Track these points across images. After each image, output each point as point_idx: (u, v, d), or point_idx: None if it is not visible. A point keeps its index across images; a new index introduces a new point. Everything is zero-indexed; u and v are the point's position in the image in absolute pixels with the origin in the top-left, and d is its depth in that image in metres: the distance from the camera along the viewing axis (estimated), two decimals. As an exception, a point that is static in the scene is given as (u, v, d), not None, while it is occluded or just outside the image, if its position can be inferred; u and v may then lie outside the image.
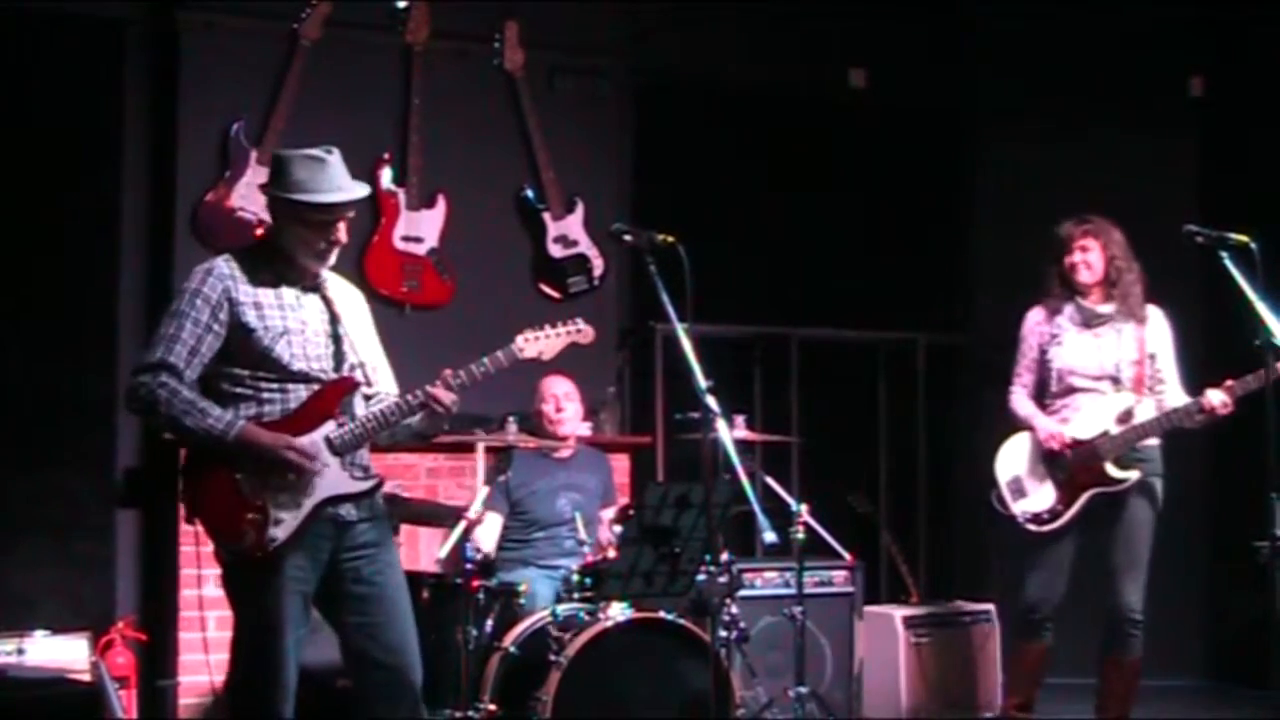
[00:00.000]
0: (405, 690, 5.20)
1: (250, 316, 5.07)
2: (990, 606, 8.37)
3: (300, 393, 5.11)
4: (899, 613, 8.13)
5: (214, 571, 7.76)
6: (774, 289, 9.57)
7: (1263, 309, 5.75)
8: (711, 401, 5.18)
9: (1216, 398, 6.59)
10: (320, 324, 5.20)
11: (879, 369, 9.92)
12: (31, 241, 7.85)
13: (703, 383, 5.18)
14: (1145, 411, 6.87)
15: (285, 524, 5.01)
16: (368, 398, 5.27)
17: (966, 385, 10.20)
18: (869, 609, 8.24)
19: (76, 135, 7.99)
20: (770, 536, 5.19)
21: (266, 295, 5.13)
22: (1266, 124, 9.26)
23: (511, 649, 6.59)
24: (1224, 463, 6.78)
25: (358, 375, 5.23)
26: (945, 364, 10.09)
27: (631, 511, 6.62)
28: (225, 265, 5.15)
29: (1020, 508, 7.03)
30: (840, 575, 8.07)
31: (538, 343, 5.41)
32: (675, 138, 9.33)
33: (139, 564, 8.07)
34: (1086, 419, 6.91)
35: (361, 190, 5.33)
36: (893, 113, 9.99)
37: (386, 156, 8.36)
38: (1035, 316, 7.16)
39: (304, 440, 5.06)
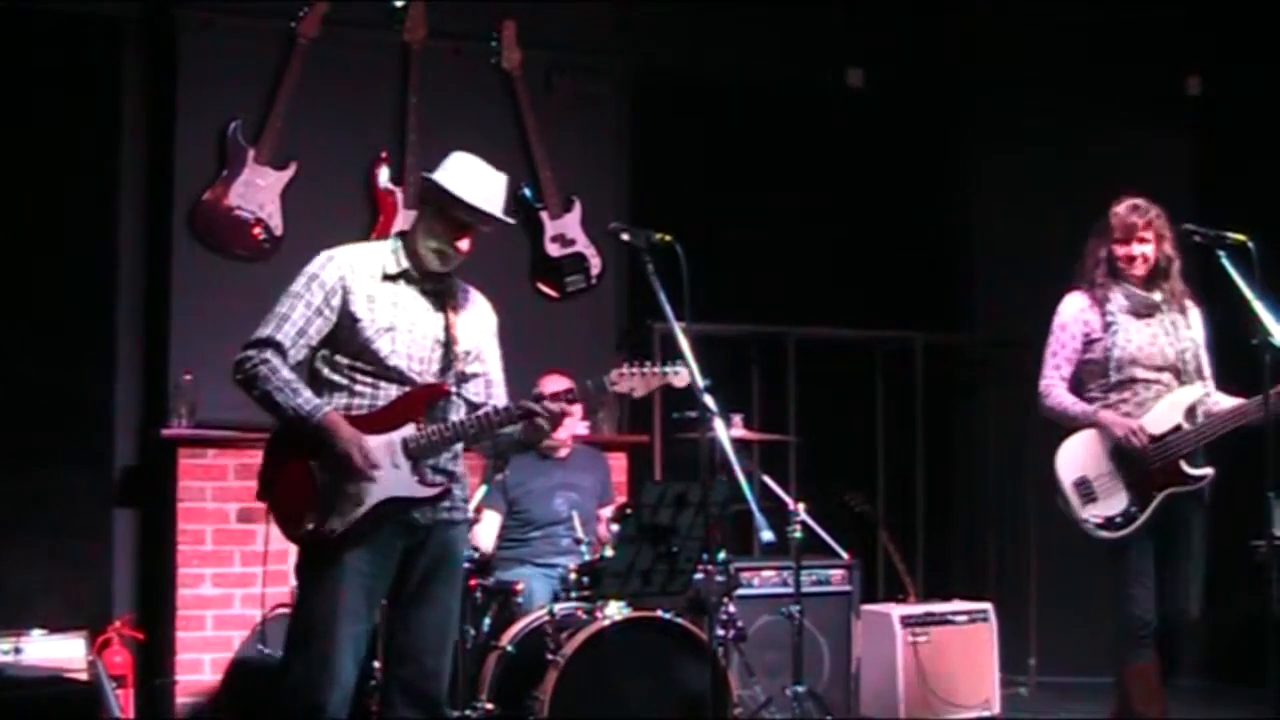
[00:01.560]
0: (429, 695, 5.26)
1: (360, 307, 5.15)
2: (988, 605, 8.36)
3: (392, 391, 5.17)
4: (896, 611, 8.12)
5: (211, 570, 7.89)
6: (771, 288, 9.56)
7: (1260, 308, 5.73)
8: (709, 400, 5.17)
9: None
10: (431, 327, 5.25)
11: (876, 368, 9.92)
12: (29, 240, 7.87)
13: (700, 382, 5.18)
14: (1205, 406, 6.38)
15: (344, 517, 5.07)
16: (476, 407, 5.30)
17: (964, 384, 10.21)
18: (866, 608, 8.24)
19: (74, 134, 8.02)
20: (768, 535, 5.18)
21: (383, 289, 5.20)
22: (1263, 122, 9.26)
23: (509, 648, 6.58)
24: (1220, 461, 6.72)
25: (452, 385, 5.25)
26: (943, 363, 10.09)
27: (629, 510, 6.62)
28: (349, 254, 5.25)
29: (1090, 512, 6.38)
30: (838, 574, 8.07)
31: (631, 379, 5.31)
32: (673, 137, 9.33)
33: (136, 563, 8.09)
34: (1156, 413, 6.34)
35: (507, 217, 5.33)
36: (890, 112, 9.99)
37: (384, 155, 8.36)
38: (1078, 302, 6.52)
39: (377, 441, 5.10)
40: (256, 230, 8.06)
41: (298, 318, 5.13)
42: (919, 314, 9.94)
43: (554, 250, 8.76)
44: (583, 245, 8.80)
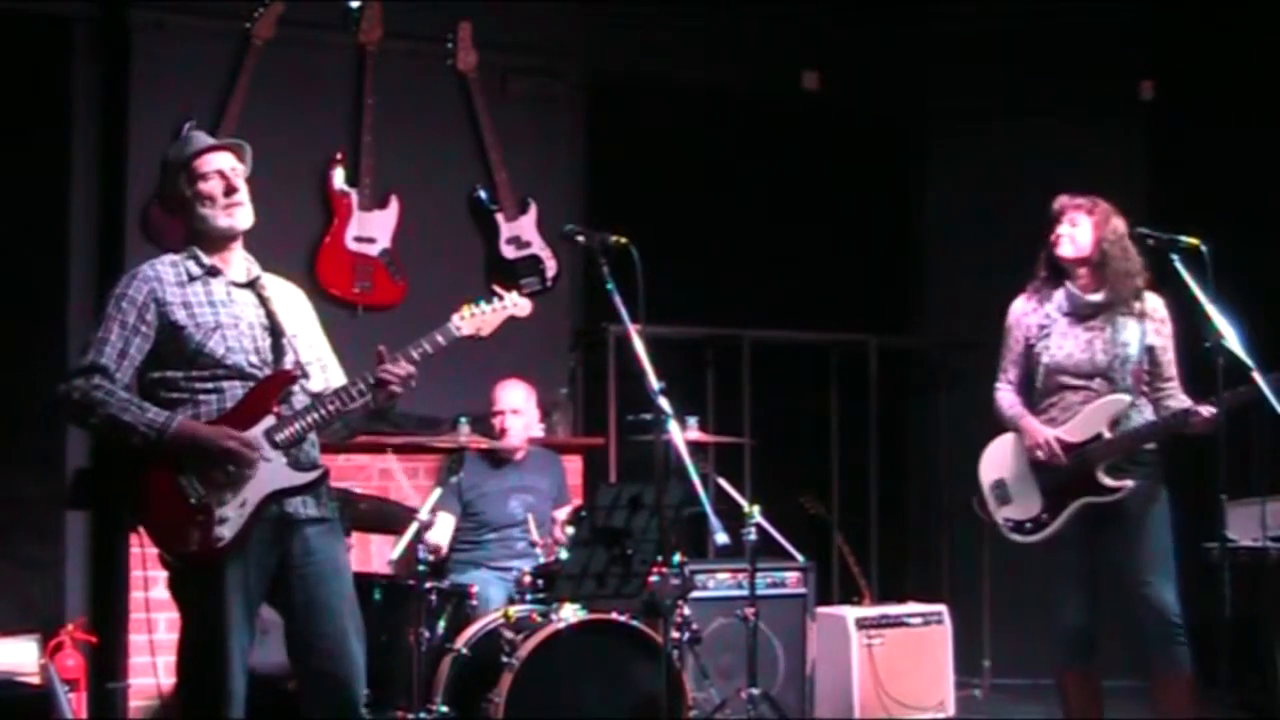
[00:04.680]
0: (343, 702, 5.15)
1: (179, 315, 5.05)
2: (942, 607, 8.39)
3: (236, 390, 5.06)
4: (851, 614, 8.14)
5: (163, 574, 7.80)
6: (726, 290, 9.56)
7: (1213, 311, 5.76)
8: (664, 403, 5.16)
9: (1207, 410, 6.04)
10: (255, 318, 5.16)
11: (831, 371, 9.92)
12: (-21, 241, 7.82)
13: (655, 384, 5.16)
14: (1142, 414, 6.27)
15: (231, 522, 4.96)
16: (316, 395, 5.19)
17: (918, 387, 10.24)
18: (821, 610, 8.25)
19: (25, 135, 7.94)
20: (722, 538, 5.18)
21: (196, 293, 5.12)
22: (1216, 127, 9.31)
23: (463, 650, 6.57)
24: (1185, 464, 6.69)
25: (297, 369, 5.17)
26: (897, 366, 10.12)
27: (583, 513, 6.62)
28: (151, 268, 5.16)
29: (1004, 514, 6.45)
30: (793, 577, 8.08)
31: (474, 319, 5.31)
32: (629, 139, 9.32)
33: (88, 566, 8.02)
34: (1078, 421, 6.25)
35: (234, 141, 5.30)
36: (845, 115, 10.01)
37: (339, 157, 8.33)
38: (1021, 306, 6.49)
39: (244, 433, 5.00)
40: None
41: (115, 339, 5.02)
42: (873, 317, 9.97)
43: (509, 252, 8.74)
44: (538, 247, 8.79)
